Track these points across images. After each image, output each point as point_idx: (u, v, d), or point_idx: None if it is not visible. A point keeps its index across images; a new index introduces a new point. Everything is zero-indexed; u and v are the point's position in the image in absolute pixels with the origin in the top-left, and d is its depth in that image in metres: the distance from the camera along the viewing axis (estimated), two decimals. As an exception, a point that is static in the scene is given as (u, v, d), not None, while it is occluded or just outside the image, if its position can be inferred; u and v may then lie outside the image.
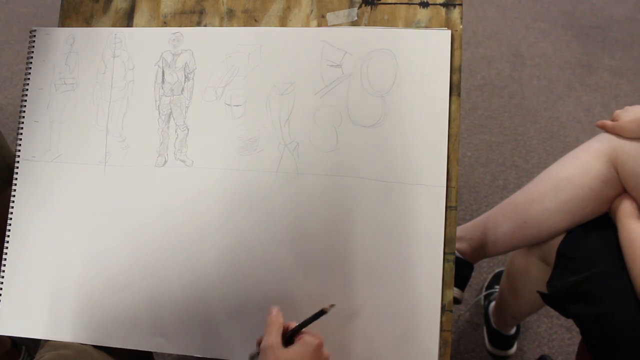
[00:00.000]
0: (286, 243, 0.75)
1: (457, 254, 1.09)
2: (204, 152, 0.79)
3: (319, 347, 0.66)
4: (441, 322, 0.71)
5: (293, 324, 0.67)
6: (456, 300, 1.11)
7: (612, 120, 0.92)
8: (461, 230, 1.10)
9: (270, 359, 0.62)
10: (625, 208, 0.86)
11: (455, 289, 1.10)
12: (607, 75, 1.82)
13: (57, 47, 0.84)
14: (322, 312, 0.65)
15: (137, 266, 0.78)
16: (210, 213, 0.77)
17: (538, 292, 0.96)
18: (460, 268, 1.08)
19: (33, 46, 0.85)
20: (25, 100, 0.84)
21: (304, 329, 0.67)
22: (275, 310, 0.68)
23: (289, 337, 0.67)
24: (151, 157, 0.80)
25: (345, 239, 0.74)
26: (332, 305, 0.65)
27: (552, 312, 1.32)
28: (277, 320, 0.66)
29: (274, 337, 0.64)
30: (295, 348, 0.64)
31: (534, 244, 1.00)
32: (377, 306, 0.73)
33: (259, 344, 0.68)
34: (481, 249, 1.07)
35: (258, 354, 0.68)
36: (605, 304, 0.82)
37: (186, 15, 0.83)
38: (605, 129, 0.92)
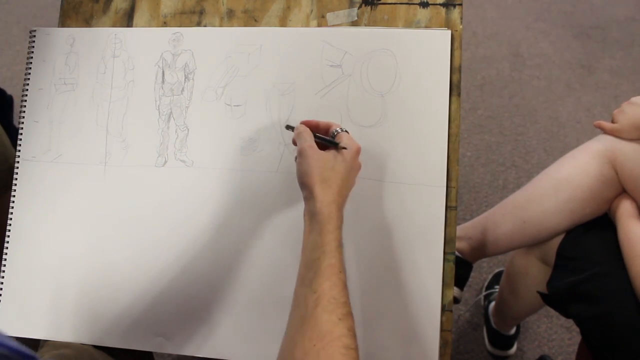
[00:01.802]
0: (286, 243, 0.75)
1: (457, 253, 1.09)
2: (204, 152, 0.79)
3: (358, 152, 0.65)
4: (441, 322, 0.71)
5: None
6: (455, 300, 1.11)
7: (611, 121, 0.92)
8: (461, 229, 1.10)
9: (312, 157, 0.61)
10: (625, 208, 0.86)
11: (454, 288, 1.10)
12: (607, 75, 1.82)
13: (57, 47, 0.84)
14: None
15: (137, 266, 0.78)
16: (210, 213, 0.77)
17: (538, 292, 0.96)
18: (459, 267, 1.08)
19: (33, 46, 0.85)
20: (25, 101, 0.84)
21: (341, 132, 0.66)
22: (303, 124, 0.67)
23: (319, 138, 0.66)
24: (151, 157, 0.80)
25: (345, 238, 0.74)
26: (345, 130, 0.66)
27: (552, 312, 1.32)
28: (307, 130, 0.65)
29: (309, 140, 0.63)
30: (340, 157, 0.63)
31: (533, 244, 1.00)
32: (377, 306, 0.73)
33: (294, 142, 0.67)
34: (480, 249, 1.07)
35: (292, 127, 0.68)
36: (605, 304, 0.82)
37: (186, 15, 0.83)
38: (603, 131, 0.92)
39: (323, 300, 0.53)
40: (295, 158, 0.67)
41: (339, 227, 0.59)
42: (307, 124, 0.68)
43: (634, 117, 0.88)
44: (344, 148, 0.64)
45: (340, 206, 0.61)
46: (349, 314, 0.54)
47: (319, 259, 0.56)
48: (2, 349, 0.33)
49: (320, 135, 0.67)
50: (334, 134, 0.67)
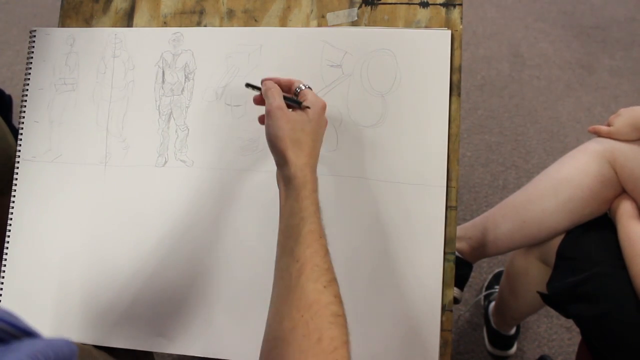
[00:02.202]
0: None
1: (457, 253, 1.09)
2: (204, 152, 0.79)
3: (324, 108, 0.64)
4: (441, 321, 0.72)
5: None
6: (455, 300, 1.11)
7: (607, 125, 0.92)
8: (461, 229, 1.10)
9: (282, 119, 0.59)
10: (625, 208, 0.86)
11: (454, 288, 1.10)
12: (607, 75, 1.82)
13: (57, 47, 0.84)
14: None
15: (138, 266, 0.78)
16: (211, 213, 0.77)
17: (538, 292, 0.96)
18: (459, 268, 1.08)
19: (33, 46, 0.85)
20: (26, 101, 0.84)
21: (305, 88, 0.65)
22: (269, 80, 0.64)
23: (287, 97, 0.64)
24: (151, 157, 0.80)
25: (346, 238, 0.74)
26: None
27: (552, 312, 1.32)
28: (275, 86, 0.63)
29: (278, 100, 0.61)
30: (307, 116, 0.62)
31: (533, 244, 1.00)
32: (378, 306, 0.73)
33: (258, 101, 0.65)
34: (480, 249, 1.07)
35: (255, 87, 0.66)
36: (605, 304, 0.82)
37: (186, 15, 0.83)
38: (599, 135, 0.92)
39: (306, 268, 0.52)
40: (260, 119, 0.65)
41: (315, 190, 0.58)
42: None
43: (630, 118, 0.88)
44: (308, 107, 0.63)
45: (314, 168, 0.60)
46: (334, 280, 0.53)
47: (298, 225, 0.55)
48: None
49: (285, 95, 0.64)
50: (296, 91, 0.65)
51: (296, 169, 0.58)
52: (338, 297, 0.52)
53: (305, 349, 0.48)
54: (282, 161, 0.60)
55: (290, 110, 0.62)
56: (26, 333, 0.34)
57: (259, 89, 0.67)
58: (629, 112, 0.89)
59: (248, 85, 0.67)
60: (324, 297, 0.51)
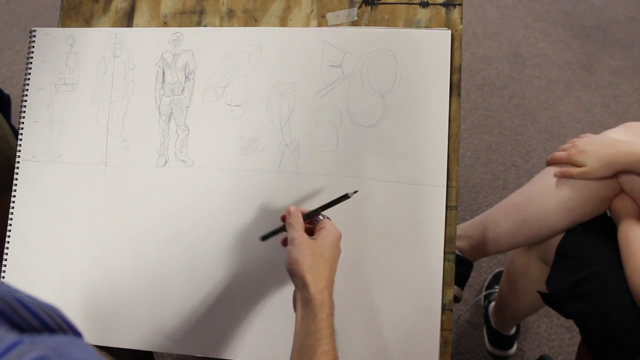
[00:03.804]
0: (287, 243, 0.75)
1: (457, 252, 1.09)
2: (205, 152, 0.79)
3: (339, 238, 0.68)
4: (441, 321, 0.72)
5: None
6: (455, 299, 1.11)
7: (569, 161, 0.89)
8: (461, 228, 1.10)
9: (303, 245, 0.64)
10: (625, 207, 0.87)
11: (454, 287, 1.10)
12: (607, 75, 1.82)
13: (57, 47, 0.84)
14: (345, 197, 0.68)
15: (138, 266, 0.78)
16: (211, 213, 0.77)
17: (538, 292, 0.96)
18: (460, 266, 1.08)
19: (33, 46, 0.85)
20: (26, 101, 0.84)
21: (324, 218, 0.69)
22: (293, 208, 0.69)
23: (309, 217, 0.69)
24: (152, 157, 0.80)
25: (346, 238, 0.74)
26: (355, 192, 0.69)
27: (552, 312, 1.32)
28: (298, 217, 0.68)
29: (300, 230, 0.66)
30: (321, 237, 0.66)
31: (533, 243, 1.00)
32: (378, 305, 0.73)
33: (283, 219, 0.70)
34: (481, 248, 1.07)
35: (267, 236, 0.72)
36: (603, 303, 0.83)
37: (186, 15, 0.83)
38: (570, 177, 0.89)
39: None
40: (282, 242, 0.70)
41: (332, 314, 0.61)
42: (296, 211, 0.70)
43: (602, 156, 0.85)
44: (328, 218, 0.69)
45: (331, 292, 0.63)
46: None
47: (314, 345, 0.58)
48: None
49: (307, 213, 0.69)
50: (316, 220, 0.69)
51: (315, 292, 0.61)
52: None
53: None
54: (301, 284, 0.63)
55: (311, 238, 0.66)
56: (72, 330, 0.36)
57: (278, 231, 0.71)
58: (596, 150, 0.86)
59: (265, 238, 0.73)
60: None
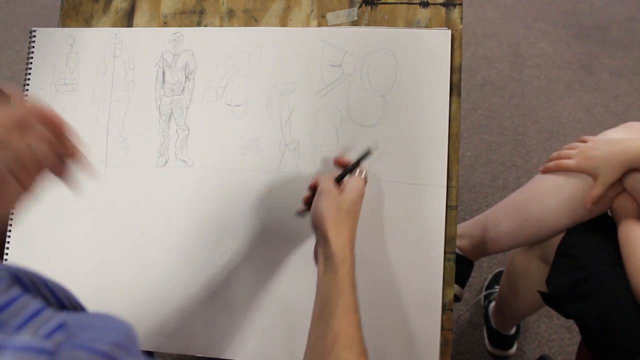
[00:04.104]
0: (286, 242, 0.75)
1: (458, 251, 1.09)
2: (205, 152, 0.79)
3: (362, 195, 0.68)
4: (442, 321, 0.72)
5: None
6: (456, 298, 1.11)
7: (574, 160, 0.89)
8: (462, 228, 1.10)
9: (330, 200, 0.65)
10: (625, 207, 0.86)
11: (455, 286, 1.10)
12: (607, 75, 1.82)
13: (57, 47, 0.84)
14: (367, 153, 0.70)
15: (138, 266, 0.78)
16: (211, 213, 0.77)
17: (538, 291, 0.96)
18: (460, 265, 1.08)
19: (33, 46, 0.85)
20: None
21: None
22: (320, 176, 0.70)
23: (340, 179, 0.70)
24: (152, 157, 0.80)
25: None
26: (377, 147, 0.71)
27: (552, 312, 1.32)
28: (329, 176, 0.69)
29: (329, 183, 0.67)
30: (346, 191, 0.67)
31: (534, 242, 1.00)
32: (378, 305, 0.73)
33: (312, 188, 0.71)
34: (482, 247, 1.07)
35: (303, 211, 0.72)
36: (604, 302, 0.82)
37: (186, 15, 0.83)
38: (597, 196, 0.86)
39: (340, 338, 0.56)
40: (305, 199, 0.72)
41: (352, 268, 0.62)
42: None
43: (610, 159, 0.84)
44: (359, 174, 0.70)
45: (352, 248, 0.63)
46: (365, 352, 0.57)
47: (335, 298, 0.59)
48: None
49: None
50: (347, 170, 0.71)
51: (337, 248, 0.62)
52: None
53: None
54: (323, 239, 0.64)
55: (339, 192, 0.67)
56: (81, 308, 0.39)
57: (309, 206, 0.71)
58: (604, 155, 0.85)
59: (300, 214, 0.73)
60: None
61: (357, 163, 0.70)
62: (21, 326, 0.29)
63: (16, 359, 0.27)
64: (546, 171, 0.94)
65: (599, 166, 0.86)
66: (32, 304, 0.31)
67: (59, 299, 0.35)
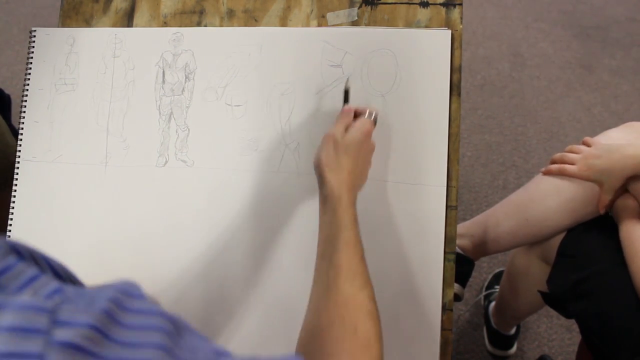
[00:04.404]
0: (287, 243, 0.75)
1: (459, 250, 1.09)
2: (205, 152, 0.79)
3: (366, 133, 0.69)
4: (442, 321, 0.72)
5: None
6: (457, 297, 1.11)
7: (577, 167, 0.89)
8: (462, 227, 1.10)
9: (329, 145, 0.66)
10: (627, 207, 0.86)
11: (456, 285, 1.10)
12: (607, 75, 1.82)
13: (57, 47, 0.84)
14: (347, 91, 0.73)
15: (138, 266, 0.78)
16: (211, 213, 0.77)
17: (538, 291, 0.96)
18: (461, 264, 1.08)
19: (33, 46, 0.85)
20: (26, 101, 0.84)
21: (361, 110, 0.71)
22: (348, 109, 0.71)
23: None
24: (152, 157, 0.80)
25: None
26: (347, 79, 0.74)
27: (552, 312, 1.32)
28: (347, 115, 0.70)
29: (331, 128, 0.68)
30: (348, 133, 0.67)
31: (534, 242, 1.00)
32: (378, 305, 0.73)
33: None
34: (482, 246, 1.07)
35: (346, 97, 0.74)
36: (605, 302, 0.82)
37: (186, 15, 0.83)
38: (605, 205, 0.88)
39: (342, 271, 0.57)
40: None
41: (351, 204, 0.62)
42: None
43: (613, 167, 0.85)
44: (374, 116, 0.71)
45: (351, 186, 0.64)
46: (368, 283, 0.58)
47: (335, 235, 0.60)
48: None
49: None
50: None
51: (332, 188, 0.63)
52: (372, 299, 0.57)
53: (342, 338, 0.52)
54: (321, 182, 0.65)
55: (342, 135, 0.68)
56: (78, 282, 0.39)
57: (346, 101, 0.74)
58: (606, 163, 0.85)
59: (346, 92, 0.74)
60: (359, 297, 0.56)
61: (346, 101, 0.73)
62: (20, 288, 0.30)
63: (17, 317, 0.27)
64: (548, 173, 0.94)
65: (602, 175, 0.86)
66: (30, 270, 0.31)
67: (57, 274, 0.36)
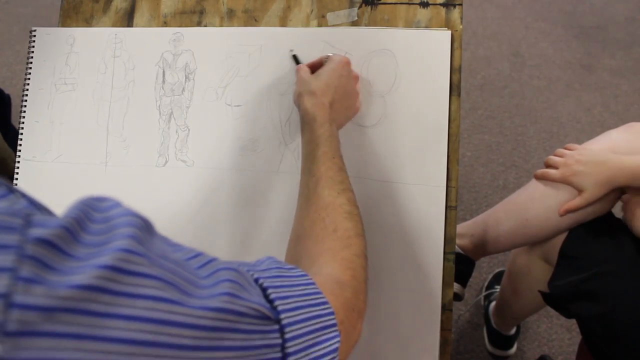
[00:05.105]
0: (286, 243, 0.75)
1: (459, 249, 1.09)
2: (205, 152, 0.79)
3: (347, 63, 0.73)
4: (441, 321, 0.72)
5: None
6: (457, 297, 1.11)
7: (559, 172, 0.89)
8: (463, 227, 1.10)
9: (301, 79, 0.71)
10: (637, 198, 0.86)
11: (456, 284, 1.10)
12: (607, 75, 1.82)
13: (58, 47, 0.84)
14: (295, 57, 0.78)
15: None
16: (211, 212, 0.77)
17: (539, 291, 0.96)
18: (462, 264, 1.08)
19: (33, 46, 0.85)
20: (26, 101, 0.84)
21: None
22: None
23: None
24: (152, 157, 0.80)
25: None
26: (291, 50, 0.78)
27: (552, 312, 1.32)
28: (303, 65, 0.74)
29: (304, 68, 0.73)
30: (324, 67, 0.72)
31: (535, 243, 1.00)
32: (378, 305, 0.73)
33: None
34: (483, 246, 1.07)
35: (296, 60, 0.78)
36: (608, 303, 0.82)
37: (186, 15, 0.83)
38: (573, 207, 0.88)
39: (321, 180, 0.60)
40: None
41: (326, 121, 0.65)
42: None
43: (599, 179, 0.85)
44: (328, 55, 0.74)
45: (325, 106, 0.67)
46: (347, 189, 0.60)
47: (313, 150, 0.63)
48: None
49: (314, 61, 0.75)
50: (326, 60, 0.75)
51: (306, 109, 0.67)
52: (352, 201, 0.59)
53: (323, 238, 0.54)
54: (299, 110, 0.69)
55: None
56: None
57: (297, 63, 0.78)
58: (592, 173, 0.85)
59: (294, 56, 0.79)
60: (338, 200, 0.58)
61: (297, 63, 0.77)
62: None
63: None
64: (535, 178, 0.95)
65: (585, 182, 0.86)
66: (2, 187, 0.32)
67: (33, 203, 0.36)
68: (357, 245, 0.55)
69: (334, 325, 0.43)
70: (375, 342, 0.73)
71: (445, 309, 0.72)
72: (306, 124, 0.66)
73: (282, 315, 0.38)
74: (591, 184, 0.86)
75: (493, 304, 1.33)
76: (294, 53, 0.78)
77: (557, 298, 0.91)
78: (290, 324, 0.38)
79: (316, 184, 0.59)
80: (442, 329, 0.71)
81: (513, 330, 1.32)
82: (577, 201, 0.88)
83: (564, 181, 0.89)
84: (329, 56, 0.74)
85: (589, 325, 0.86)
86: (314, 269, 0.50)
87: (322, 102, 0.67)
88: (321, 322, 0.42)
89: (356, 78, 0.74)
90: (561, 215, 0.90)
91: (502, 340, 1.31)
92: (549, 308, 1.00)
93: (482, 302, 1.39)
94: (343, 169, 0.62)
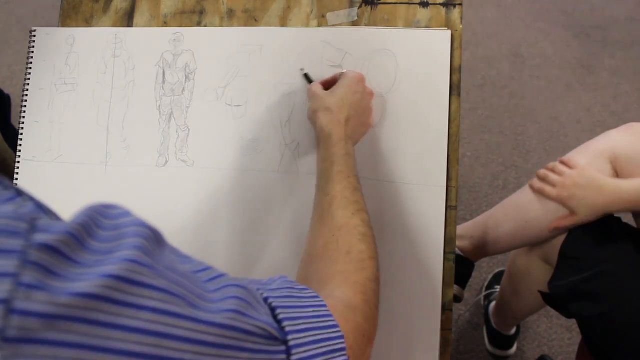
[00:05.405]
0: (287, 243, 0.75)
1: (459, 251, 1.09)
2: (205, 153, 0.79)
3: (361, 80, 0.73)
4: (441, 321, 0.72)
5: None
6: (457, 299, 1.11)
7: (556, 192, 0.89)
8: (462, 228, 1.10)
9: (315, 97, 0.70)
10: None
11: (455, 286, 1.10)
12: (607, 75, 1.81)
13: (58, 47, 0.84)
14: (306, 76, 0.77)
15: (138, 266, 0.78)
16: (211, 213, 0.77)
17: (539, 291, 0.96)
18: (461, 266, 1.08)
19: (33, 46, 0.85)
20: (26, 101, 0.84)
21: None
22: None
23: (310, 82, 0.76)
24: (152, 158, 0.80)
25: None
26: (302, 69, 0.78)
27: (552, 312, 1.32)
28: (316, 83, 0.74)
29: (314, 86, 0.72)
30: (338, 84, 0.71)
31: (535, 244, 1.00)
32: (378, 304, 0.73)
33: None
34: (482, 248, 1.07)
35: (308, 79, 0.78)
36: (608, 303, 0.82)
37: (186, 15, 0.83)
38: (562, 228, 0.89)
39: (336, 200, 0.59)
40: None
41: (342, 139, 0.65)
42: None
43: (594, 206, 0.85)
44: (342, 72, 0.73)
45: (341, 123, 0.66)
46: (362, 210, 0.59)
47: (328, 168, 0.62)
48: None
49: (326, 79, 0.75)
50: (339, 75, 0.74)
51: (322, 126, 0.66)
52: (366, 222, 0.58)
53: (336, 260, 0.53)
54: (315, 126, 0.69)
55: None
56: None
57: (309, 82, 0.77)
58: (588, 199, 0.85)
59: (306, 75, 0.78)
60: (353, 221, 0.57)
61: (309, 82, 0.77)
62: (4, 202, 0.30)
63: None
64: (532, 189, 0.95)
65: (580, 207, 0.87)
66: (4, 194, 0.32)
67: (40, 206, 0.35)
68: (370, 268, 0.54)
69: (342, 349, 0.42)
70: (375, 342, 0.73)
71: (446, 309, 0.72)
72: (322, 141, 0.66)
73: (290, 337, 0.37)
74: (586, 208, 0.86)
75: (493, 304, 1.33)
76: (305, 72, 0.77)
77: (557, 298, 0.91)
78: (297, 346, 0.37)
79: (330, 204, 0.58)
80: (442, 329, 0.71)
81: (513, 330, 1.32)
82: (568, 221, 0.88)
83: (560, 202, 0.89)
84: (342, 72, 0.73)
85: (589, 325, 0.86)
86: (325, 291, 0.49)
87: (338, 118, 0.66)
88: (329, 345, 0.41)
89: (371, 94, 0.74)
90: (550, 232, 0.90)
91: (502, 340, 1.31)
92: (549, 308, 1.00)
93: (482, 302, 1.39)
94: (358, 189, 0.61)
